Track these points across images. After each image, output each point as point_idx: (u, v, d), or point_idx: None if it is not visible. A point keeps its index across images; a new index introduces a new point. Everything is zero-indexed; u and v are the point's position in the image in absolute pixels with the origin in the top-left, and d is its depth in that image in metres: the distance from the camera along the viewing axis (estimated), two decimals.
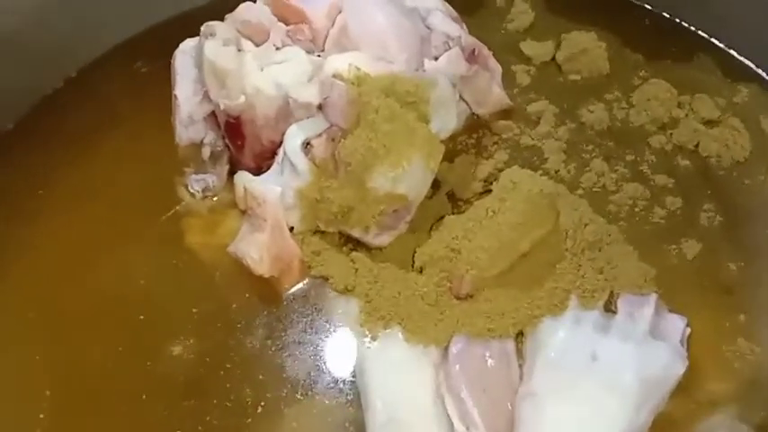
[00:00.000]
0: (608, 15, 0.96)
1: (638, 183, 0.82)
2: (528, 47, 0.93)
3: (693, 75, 0.92)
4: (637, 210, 0.80)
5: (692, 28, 0.97)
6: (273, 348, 0.73)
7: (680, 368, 0.66)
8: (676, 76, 0.90)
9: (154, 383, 0.71)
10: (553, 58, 0.92)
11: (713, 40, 0.96)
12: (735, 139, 0.85)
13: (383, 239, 0.75)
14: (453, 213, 0.78)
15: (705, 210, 0.81)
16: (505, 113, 0.88)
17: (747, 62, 0.93)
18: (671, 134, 0.87)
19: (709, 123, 0.88)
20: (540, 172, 0.82)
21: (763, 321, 0.73)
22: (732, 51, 0.94)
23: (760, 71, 0.93)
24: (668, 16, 0.98)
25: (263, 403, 0.70)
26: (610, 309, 0.70)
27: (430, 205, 0.79)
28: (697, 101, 0.88)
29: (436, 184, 0.81)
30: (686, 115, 0.88)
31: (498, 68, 0.87)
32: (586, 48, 0.91)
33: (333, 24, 0.76)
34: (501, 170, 0.80)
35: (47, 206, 0.83)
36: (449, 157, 0.83)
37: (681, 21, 0.97)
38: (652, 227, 0.79)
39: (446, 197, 0.81)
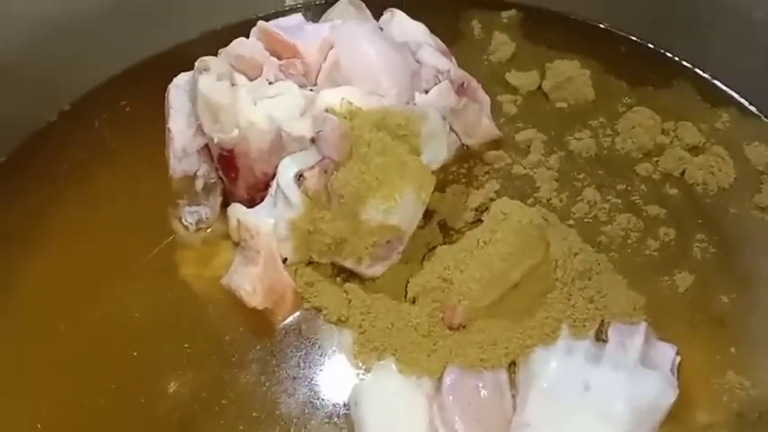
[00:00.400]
0: (586, 44, 0.99)
1: (630, 213, 0.83)
2: (513, 77, 0.95)
3: (675, 101, 0.94)
4: (630, 241, 0.81)
5: (669, 54, 1.00)
6: (267, 384, 0.73)
7: (671, 396, 0.67)
8: (659, 103, 0.93)
9: (148, 421, 0.71)
10: (539, 87, 0.95)
11: (690, 66, 0.98)
12: (719, 166, 0.87)
13: (376, 270, 0.76)
14: (445, 243, 0.79)
15: (698, 240, 0.82)
16: (495, 144, 0.90)
17: (724, 87, 0.96)
18: (657, 161, 0.89)
19: (694, 150, 0.90)
20: (532, 201, 0.84)
21: (754, 355, 0.73)
22: (708, 77, 0.97)
23: (737, 96, 0.95)
24: (644, 43, 1.01)
25: None
26: (601, 338, 0.71)
27: (422, 235, 0.80)
28: (681, 128, 0.91)
29: (428, 214, 0.82)
30: (671, 142, 0.90)
31: (487, 100, 0.89)
32: (571, 76, 0.93)
33: (325, 59, 0.78)
34: (492, 200, 0.82)
35: (40, 240, 0.84)
36: (440, 187, 0.84)
37: (656, 47, 1.00)
38: (644, 258, 0.80)
39: (438, 227, 0.82)
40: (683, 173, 0.88)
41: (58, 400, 0.72)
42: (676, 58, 0.99)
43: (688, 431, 0.69)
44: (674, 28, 0.98)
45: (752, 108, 0.94)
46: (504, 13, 1.04)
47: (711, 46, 0.96)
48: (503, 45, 0.99)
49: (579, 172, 0.88)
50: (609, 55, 0.98)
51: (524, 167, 0.88)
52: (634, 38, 1.01)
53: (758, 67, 0.93)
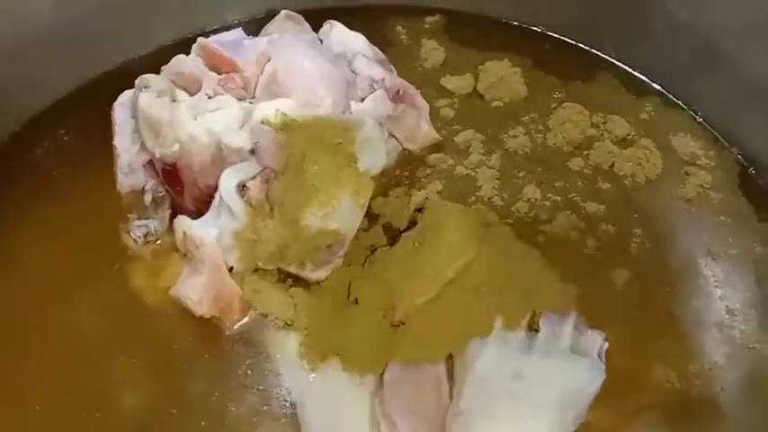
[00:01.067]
0: (511, 44, 1.03)
1: (570, 211, 0.87)
2: (448, 82, 0.99)
3: (602, 94, 0.99)
4: (569, 240, 0.84)
5: (593, 50, 1.04)
6: (217, 391, 0.75)
7: (598, 381, 0.70)
8: (587, 97, 0.97)
9: None
10: (474, 89, 0.99)
11: (614, 60, 1.03)
12: (647, 158, 0.92)
13: (320, 274, 0.78)
14: (390, 244, 0.82)
15: (635, 235, 0.86)
16: (436, 147, 0.93)
17: (645, 78, 1.01)
18: (587, 155, 0.93)
19: (623, 143, 0.94)
20: (474, 200, 0.87)
21: (682, 345, 0.77)
22: (631, 70, 1.02)
23: (657, 86, 1.00)
24: (567, 40, 1.05)
25: None
26: (533, 328, 0.74)
27: (367, 238, 0.83)
28: (609, 121, 0.95)
29: (373, 218, 0.85)
30: (601, 135, 0.94)
31: (425, 106, 0.92)
32: (503, 75, 0.98)
33: (262, 72, 0.80)
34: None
35: None
36: (383, 191, 0.87)
37: (578, 43, 1.05)
38: (583, 256, 0.84)
39: (382, 229, 0.85)
40: (612, 165, 0.92)
41: (7, 416, 0.73)
42: (600, 54, 1.04)
43: (616, 415, 0.72)
44: (589, 24, 1.03)
45: (675, 99, 0.99)
46: (428, 19, 1.08)
47: (636, 43, 1.01)
48: (433, 51, 1.03)
49: (519, 170, 0.91)
50: (536, 53, 1.02)
51: (466, 168, 0.91)
52: (557, 35, 1.06)
53: (682, 63, 0.97)
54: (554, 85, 1.00)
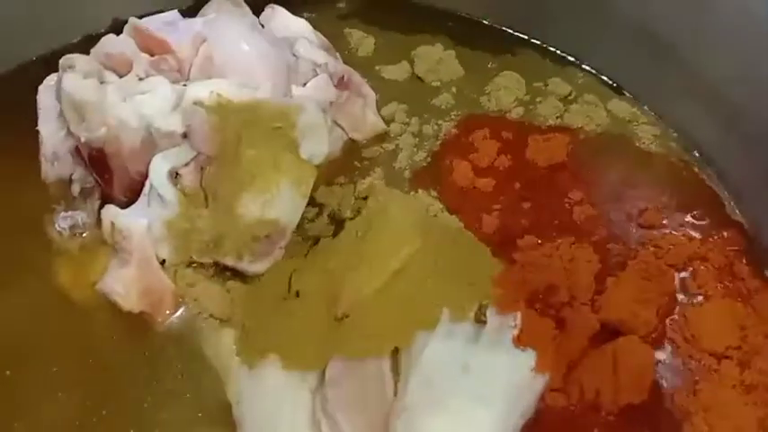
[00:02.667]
0: (438, 28, 1.02)
1: None
2: (387, 72, 0.96)
3: (534, 66, 0.99)
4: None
5: (510, 30, 1.03)
6: (148, 391, 0.70)
7: (547, 375, 0.68)
8: (522, 69, 0.97)
9: None
10: (413, 74, 0.97)
11: (533, 39, 1.03)
12: (594, 111, 0.93)
13: (258, 267, 0.75)
14: (335, 235, 0.79)
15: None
16: (382, 137, 0.90)
17: (565, 55, 1.01)
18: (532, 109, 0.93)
19: (566, 100, 0.95)
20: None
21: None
22: (549, 47, 1.02)
23: (571, 58, 1.01)
24: (482, 22, 1.04)
25: None
26: (480, 319, 0.72)
27: (312, 228, 0.80)
28: (550, 84, 0.96)
29: (319, 208, 0.81)
30: (545, 96, 0.95)
31: (372, 94, 0.89)
32: (441, 57, 0.97)
33: (197, 53, 0.76)
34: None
35: None
36: (329, 180, 0.84)
37: (495, 24, 1.04)
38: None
39: (328, 219, 0.82)
40: (560, 116, 0.92)
41: None
42: (520, 35, 1.03)
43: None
44: (514, 8, 1.02)
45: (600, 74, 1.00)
46: (339, 5, 1.04)
47: (553, 21, 1.00)
48: (362, 39, 1.00)
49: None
50: (459, 35, 1.01)
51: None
52: (471, 17, 1.04)
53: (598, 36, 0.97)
54: (487, 61, 0.99)
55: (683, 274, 0.78)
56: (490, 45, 1.01)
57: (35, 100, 0.82)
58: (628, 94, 0.98)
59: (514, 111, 0.94)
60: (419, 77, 0.96)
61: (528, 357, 0.68)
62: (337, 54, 0.89)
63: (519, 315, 0.71)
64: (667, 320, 0.75)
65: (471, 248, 0.75)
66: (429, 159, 0.88)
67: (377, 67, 0.97)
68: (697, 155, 0.92)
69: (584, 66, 1.00)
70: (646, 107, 0.96)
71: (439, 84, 0.96)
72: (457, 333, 0.70)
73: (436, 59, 0.96)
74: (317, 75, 0.80)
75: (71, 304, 0.76)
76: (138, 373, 0.72)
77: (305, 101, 0.75)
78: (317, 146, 0.77)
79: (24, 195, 0.83)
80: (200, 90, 0.70)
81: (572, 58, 1.01)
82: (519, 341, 0.69)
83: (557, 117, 0.93)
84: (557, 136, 0.89)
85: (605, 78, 0.99)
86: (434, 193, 0.84)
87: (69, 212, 0.80)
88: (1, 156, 0.86)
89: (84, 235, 0.80)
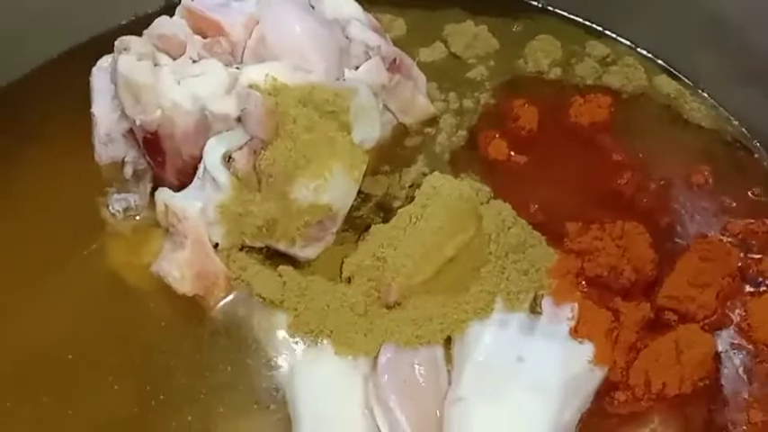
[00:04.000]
0: (466, 6, 1.00)
1: None
2: (423, 54, 0.95)
3: (571, 33, 0.98)
4: None
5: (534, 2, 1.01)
6: (201, 380, 0.71)
7: (603, 368, 0.67)
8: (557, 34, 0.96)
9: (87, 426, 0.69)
10: (450, 53, 0.95)
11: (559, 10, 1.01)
12: (633, 72, 0.92)
13: (310, 252, 0.74)
14: (384, 221, 0.78)
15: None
16: (431, 120, 0.89)
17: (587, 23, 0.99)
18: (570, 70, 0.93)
19: (604, 61, 0.94)
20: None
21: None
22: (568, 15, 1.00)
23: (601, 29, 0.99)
24: None
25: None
26: (535, 310, 0.71)
27: (359, 216, 0.80)
28: (588, 46, 0.95)
29: (365, 195, 0.81)
30: (582, 59, 0.94)
31: (422, 77, 0.88)
32: (476, 33, 0.96)
33: (250, 36, 0.76)
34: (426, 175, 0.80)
35: None
36: (377, 166, 0.83)
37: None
38: None
39: (375, 207, 0.81)
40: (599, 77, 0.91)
41: None
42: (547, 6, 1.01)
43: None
44: None
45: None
46: None
47: None
48: (392, 23, 0.98)
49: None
50: (487, 11, 0.99)
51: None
52: None
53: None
54: (519, 31, 0.98)
55: (745, 256, 0.76)
56: (522, 15, 1.00)
57: (87, 81, 0.83)
58: (676, 72, 0.95)
59: (552, 72, 0.93)
60: (456, 55, 0.95)
61: (585, 349, 0.67)
62: (386, 35, 0.88)
63: (576, 306, 0.69)
64: (728, 303, 0.73)
65: (525, 237, 0.74)
66: (468, 137, 0.87)
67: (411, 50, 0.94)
68: (758, 144, 0.88)
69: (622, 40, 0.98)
70: (698, 89, 0.93)
71: (476, 60, 0.95)
72: (511, 323, 0.69)
73: (472, 35, 0.95)
74: (369, 57, 0.79)
75: (124, 286, 0.77)
76: (192, 348, 0.73)
77: (358, 84, 0.74)
78: (369, 130, 0.76)
79: (77, 177, 0.83)
80: (256, 73, 0.69)
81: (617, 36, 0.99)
82: (576, 333, 0.68)
83: (596, 77, 0.92)
84: (598, 96, 0.88)
85: (649, 55, 0.97)
86: (476, 176, 0.82)
87: (122, 194, 0.81)
88: (54, 138, 0.88)
89: (137, 217, 0.80)
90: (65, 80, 0.91)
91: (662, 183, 0.83)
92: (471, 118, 0.89)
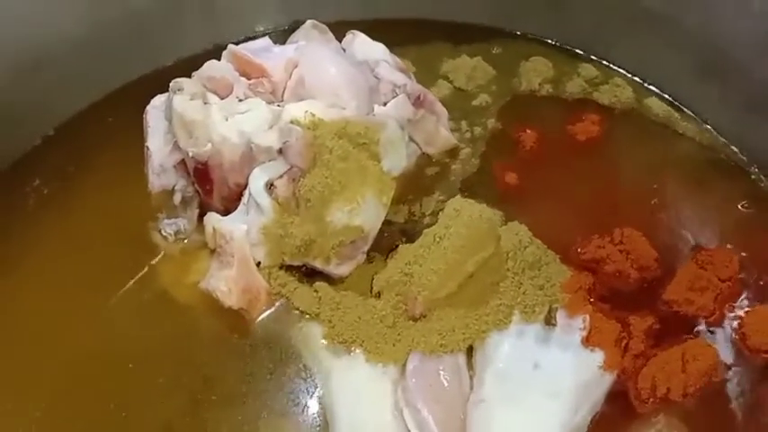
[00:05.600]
0: (454, 41, 1.07)
1: None
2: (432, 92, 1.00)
3: (560, 59, 1.05)
4: None
5: (518, 32, 1.09)
6: (246, 378, 0.77)
7: (611, 375, 0.73)
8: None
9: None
10: (456, 89, 1.03)
11: (548, 40, 1.08)
12: (620, 91, 1.00)
13: (343, 269, 0.81)
14: (407, 242, 0.85)
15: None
16: (453, 151, 0.96)
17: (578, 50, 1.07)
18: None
19: (593, 82, 1.01)
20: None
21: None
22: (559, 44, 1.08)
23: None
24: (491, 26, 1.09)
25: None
26: (550, 322, 0.77)
27: (386, 238, 0.86)
28: (580, 68, 1.03)
29: (390, 221, 0.87)
30: (572, 78, 1.02)
31: (444, 112, 0.95)
32: (474, 65, 1.03)
33: (290, 77, 0.84)
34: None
35: (25, 260, 0.87)
36: (402, 192, 0.90)
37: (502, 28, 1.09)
38: None
39: (399, 231, 0.88)
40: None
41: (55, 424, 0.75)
42: (531, 35, 1.09)
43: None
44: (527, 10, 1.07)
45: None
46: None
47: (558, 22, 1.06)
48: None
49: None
50: (477, 48, 1.06)
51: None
52: (475, 22, 1.09)
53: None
54: (511, 62, 1.05)
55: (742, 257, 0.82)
56: (511, 47, 1.07)
57: (138, 117, 0.91)
58: (667, 96, 1.01)
59: (544, 89, 1.00)
60: (461, 89, 1.02)
61: (596, 357, 0.73)
62: (411, 75, 0.96)
63: (587, 318, 0.76)
64: (726, 306, 0.79)
65: (541, 255, 0.80)
66: (480, 165, 0.94)
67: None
68: (745, 158, 0.94)
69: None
70: (686, 110, 0.99)
71: (478, 89, 1.02)
72: (528, 333, 0.75)
73: (471, 68, 1.03)
74: (396, 95, 0.87)
75: (175, 303, 0.84)
76: (236, 356, 0.79)
77: (386, 118, 0.82)
78: (397, 159, 0.84)
79: (129, 204, 0.91)
80: (297, 110, 0.78)
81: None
82: (587, 342, 0.74)
83: (587, 94, 0.99)
84: (591, 114, 0.96)
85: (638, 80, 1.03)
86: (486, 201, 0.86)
87: (173, 219, 0.89)
88: (108, 167, 0.96)
89: (185, 240, 0.88)
90: (117, 115, 1.00)
91: (655, 199, 0.89)
92: (482, 144, 0.96)
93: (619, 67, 1.05)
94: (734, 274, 0.81)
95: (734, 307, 0.79)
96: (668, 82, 1.01)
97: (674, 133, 0.97)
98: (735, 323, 0.78)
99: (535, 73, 1.03)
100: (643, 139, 0.97)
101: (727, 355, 0.76)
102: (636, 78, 1.03)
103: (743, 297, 0.80)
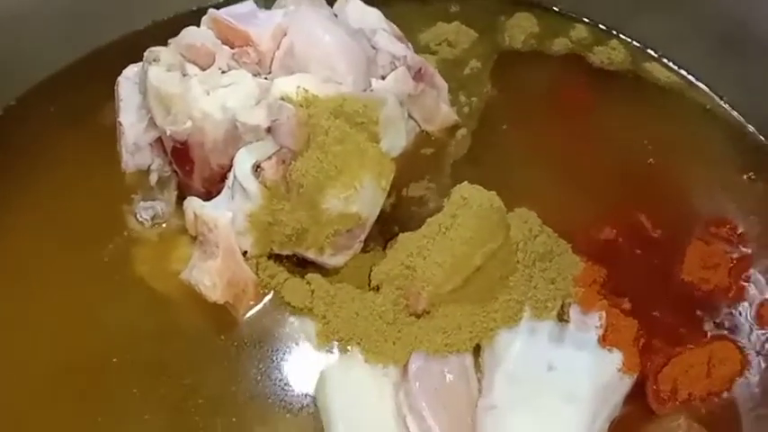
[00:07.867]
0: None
1: None
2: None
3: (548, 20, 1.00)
4: None
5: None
6: (233, 379, 0.72)
7: (631, 376, 0.68)
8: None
9: None
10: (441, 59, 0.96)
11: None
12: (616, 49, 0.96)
13: (338, 260, 0.75)
14: (408, 231, 0.79)
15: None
16: (453, 129, 0.90)
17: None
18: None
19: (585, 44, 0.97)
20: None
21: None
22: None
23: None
24: None
25: None
26: (563, 318, 0.72)
27: (385, 224, 0.80)
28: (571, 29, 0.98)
29: (390, 204, 0.81)
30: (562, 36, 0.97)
31: (444, 86, 0.88)
32: (455, 30, 0.97)
33: (278, 46, 0.76)
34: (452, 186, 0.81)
35: None
36: (401, 174, 0.83)
37: None
38: None
39: (400, 216, 0.82)
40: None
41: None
42: None
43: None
44: None
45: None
46: None
47: None
48: None
49: None
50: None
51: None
52: None
53: None
54: (495, 26, 0.99)
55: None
56: (486, 16, 1.01)
57: (107, 88, 0.84)
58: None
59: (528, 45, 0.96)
60: (448, 59, 0.96)
61: (614, 358, 0.68)
62: (409, 44, 0.89)
63: (604, 315, 0.71)
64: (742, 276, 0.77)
65: (552, 245, 0.75)
66: (471, 140, 0.88)
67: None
68: (752, 128, 0.90)
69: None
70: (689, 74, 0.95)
71: (465, 54, 0.96)
72: (540, 331, 0.70)
73: (453, 33, 0.97)
74: (395, 67, 0.80)
75: (153, 293, 0.77)
76: (221, 355, 0.73)
77: (386, 94, 0.75)
78: (396, 139, 0.77)
79: (102, 185, 0.84)
80: (287, 85, 0.70)
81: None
82: (604, 341, 0.69)
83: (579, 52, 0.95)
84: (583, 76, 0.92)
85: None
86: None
87: (149, 202, 0.82)
88: (75, 145, 0.87)
89: (164, 225, 0.81)
90: (85, 85, 0.91)
91: (650, 160, 0.85)
92: (480, 115, 0.91)
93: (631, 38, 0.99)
94: (743, 246, 0.78)
95: (749, 278, 0.77)
96: (678, 51, 0.96)
97: (678, 102, 0.93)
98: (756, 301, 0.75)
99: (520, 29, 0.98)
100: (643, 107, 0.92)
101: (753, 356, 0.72)
102: (635, 44, 0.99)
103: (755, 269, 0.78)
